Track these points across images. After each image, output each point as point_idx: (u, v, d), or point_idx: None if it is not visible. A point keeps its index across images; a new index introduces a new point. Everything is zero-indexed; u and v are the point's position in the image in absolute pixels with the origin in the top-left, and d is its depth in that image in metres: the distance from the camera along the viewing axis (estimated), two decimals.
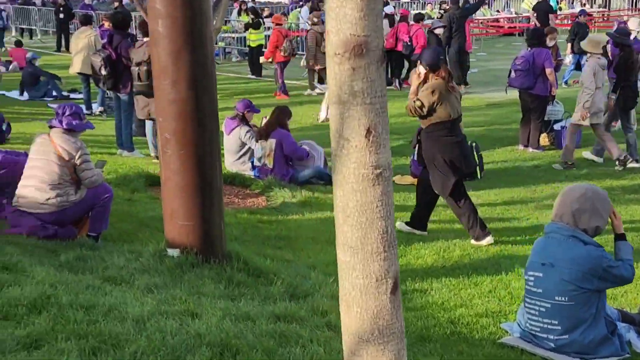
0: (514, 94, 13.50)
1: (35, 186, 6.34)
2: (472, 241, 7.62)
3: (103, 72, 11.06)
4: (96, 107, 16.35)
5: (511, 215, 9.11)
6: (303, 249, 7.34)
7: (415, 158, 11.02)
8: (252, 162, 10.42)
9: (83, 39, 15.30)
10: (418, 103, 7.51)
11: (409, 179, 11.03)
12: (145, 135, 12.01)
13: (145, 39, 10.61)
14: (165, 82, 5.62)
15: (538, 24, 21.43)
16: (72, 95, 18.96)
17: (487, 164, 11.51)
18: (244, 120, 10.57)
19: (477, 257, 7.17)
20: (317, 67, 18.11)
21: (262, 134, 10.24)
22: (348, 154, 2.72)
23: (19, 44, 24.51)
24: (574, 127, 11.55)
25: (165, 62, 5.60)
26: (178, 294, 4.92)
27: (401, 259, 7.09)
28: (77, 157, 6.38)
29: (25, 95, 18.58)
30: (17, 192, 6.45)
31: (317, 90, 18.51)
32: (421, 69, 7.70)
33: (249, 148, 10.50)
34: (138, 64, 10.36)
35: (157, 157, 11.16)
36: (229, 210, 8.12)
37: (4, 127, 6.69)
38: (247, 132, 10.41)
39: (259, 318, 4.53)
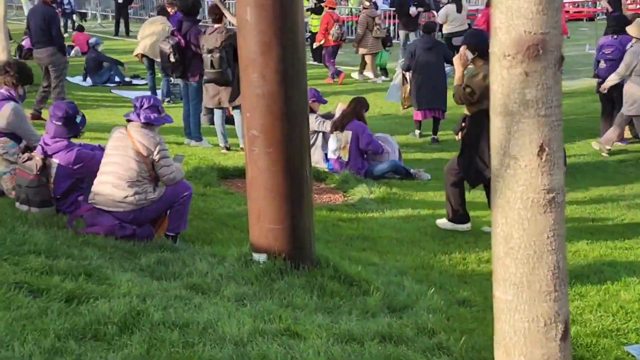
0: (586, 82, 12.89)
1: (112, 183, 6.02)
2: (441, 220, 7.56)
3: (172, 59, 10.72)
4: (160, 95, 16.11)
5: (603, 215, 8.55)
6: (388, 251, 6.92)
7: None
8: (326, 154, 10.02)
9: (158, 25, 15.01)
10: (468, 90, 7.09)
11: None
12: (213, 124, 11.71)
13: (216, 25, 10.26)
14: (253, 75, 5.23)
15: (610, 9, 20.57)
16: (134, 81, 18.79)
17: (569, 157, 10.98)
18: (310, 110, 10.16)
19: (576, 263, 6.65)
20: (363, 52, 17.77)
21: (338, 126, 9.83)
22: (515, 175, 2.29)
23: (80, 28, 24.43)
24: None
25: (254, 53, 5.22)
26: (271, 307, 4.54)
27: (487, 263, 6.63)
28: (155, 153, 6.04)
29: (89, 81, 18.43)
30: (93, 189, 6.14)
31: (372, 79, 18.20)
32: (468, 54, 7.20)
33: (316, 139, 10.10)
34: (210, 51, 10.00)
35: (226, 148, 10.87)
36: None
37: (78, 120, 6.33)
38: (316, 118, 10.01)
39: (364, 338, 4.13)
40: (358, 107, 9.96)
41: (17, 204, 6.41)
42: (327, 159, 9.99)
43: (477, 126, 7.20)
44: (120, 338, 3.64)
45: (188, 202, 6.25)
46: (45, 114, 12.46)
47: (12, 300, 3.95)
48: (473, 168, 7.28)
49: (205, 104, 10.92)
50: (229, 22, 9.93)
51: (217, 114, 10.77)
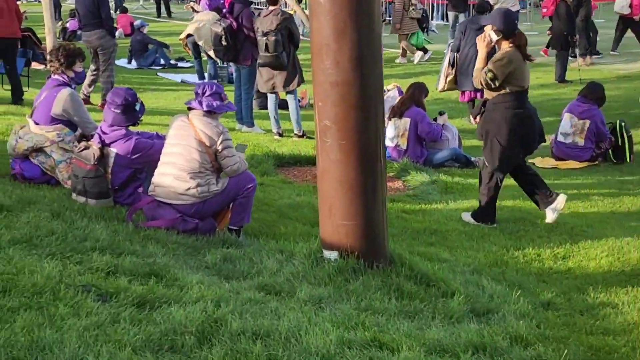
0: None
1: (173, 174, 5.74)
2: (466, 215, 7.24)
3: (224, 42, 10.43)
4: (207, 78, 15.86)
5: None
6: (458, 246, 6.59)
7: (557, 138, 10.13)
8: None
9: (209, 14, 14.74)
10: (490, 75, 6.70)
11: (551, 161, 10.15)
12: (262, 109, 11.46)
13: (271, 7, 9.96)
14: (326, 62, 4.90)
15: None
16: (180, 64, 18.58)
17: (635, 144, 10.54)
18: None
19: None
20: (402, 33, 17.46)
21: (396, 112, 9.48)
22: None
23: (124, 10, 24.28)
24: None
25: (327, 38, 4.88)
26: (350, 312, 4.24)
27: (571, 259, 6.30)
28: (218, 143, 5.75)
29: (134, 64, 18.27)
30: (153, 180, 5.88)
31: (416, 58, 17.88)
32: (492, 35, 6.79)
33: None
34: (265, 34, 9.70)
35: (279, 134, 10.58)
36: None
37: (137, 107, 6.08)
38: None
39: (455, 349, 3.82)
40: (417, 93, 9.60)
41: (74, 195, 6.18)
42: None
43: (499, 112, 6.85)
44: (199, 350, 3.36)
45: (252, 195, 5.96)
46: (94, 98, 12.28)
47: (80, 305, 3.70)
48: (500, 155, 6.91)
49: (260, 88, 10.63)
50: (285, 4, 9.64)
51: (271, 98, 10.48)
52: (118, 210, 5.97)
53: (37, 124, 6.59)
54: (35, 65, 16.64)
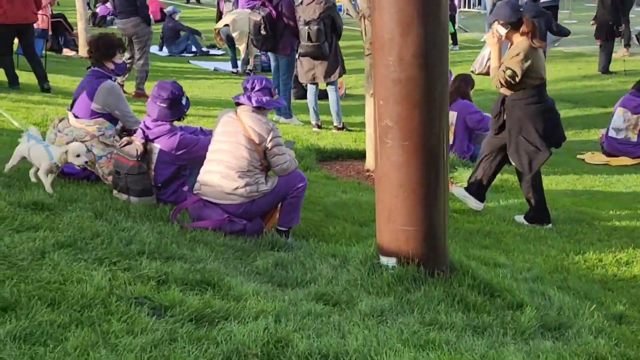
0: None
1: (221, 173, 5.48)
2: (519, 217, 6.98)
3: (263, 31, 10.14)
4: (240, 65, 15.63)
5: None
6: (514, 249, 6.29)
7: (608, 133, 9.76)
8: None
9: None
10: (509, 72, 6.43)
11: (602, 158, 9.79)
12: (299, 99, 11.20)
13: None
14: (390, 58, 4.60)
15: None
16: (211, 51, 18.35)
17: None
18: None
19: None
20: None
21: None
22: None
23: None
24: None
25: (391, 33, 4.58)
26: (417, 327, 3.96)
27: (635, 266, 6.04)
28: (268, 140, 5.49)
29: (165, 51, 18.06)
30: (199, 178, 5.62)
31: None
32: (500, 29, 6.52)
33: None
34: (307, 23, 9.40)
35: (318, 126, 10.30)
36: None
37: (183, 102, 5.82)
38: None
39: None
40: (463, 85, 9.27)
41: (115, 191, 5.94)
42: None
43: (519, 108, 6.58)
44: None
45: (302, 195, 5.69)
46: (127, 86, 12.04)
47: (135, 321, 3.44)
48: (528, 154, 6.66)
49: (299, 79, 10.35)
50: None
51: (311, 89, 10.20)
52: (162, 209, 5.72)
53: (77, 117, 6.35)
54: (66, 51, 16.51)
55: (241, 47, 14.92)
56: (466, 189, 7.16)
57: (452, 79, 9.91)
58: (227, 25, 14.87)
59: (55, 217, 5.03)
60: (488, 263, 5.58)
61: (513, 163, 6.82)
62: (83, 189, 5.96)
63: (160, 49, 18.11)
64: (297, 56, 10.25)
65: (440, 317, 4.21)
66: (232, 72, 15.71)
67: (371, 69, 4.89)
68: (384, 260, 4.84)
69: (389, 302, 4.34)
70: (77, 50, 16.47)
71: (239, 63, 15.54)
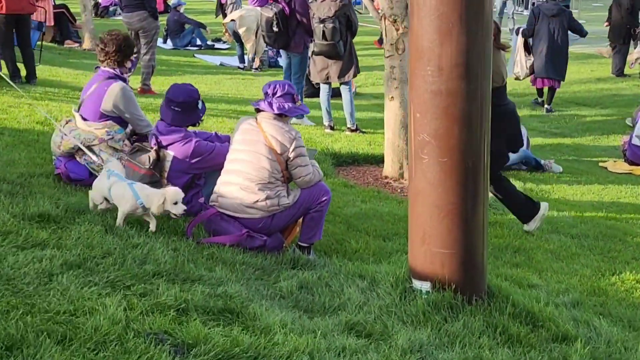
0: None
1: (240, 185, 5.12)
2: (525, 227, 6.66)
3: (275, 28, 9.76)
4: (247, 61, 15.25)
5: None
6: (546, 268, 5.96)
7: (631, 141, 9.41)
8: None
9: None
10: None
11: (625, 166, 9.44)
12: (310, 97, 10.83)
13: None
14: (429, 67, 4.23)
15: None
16: (216, 45, 17.96)
17: None
18: None
19: None
20: None
21: None
22: None
23: None
24: None
25: (430, 41, 4.21)
26: None
27: None
28: (291, 150, 5.12)
29: (169, 44, 17.65)
30: (216, 189, 5.26)
31: None
32: None
33: None
34: (322, 21, 9.02)
35: (330, 127, 9.93)
36: None
37: (199, 106, 5.45)
38: None
39: None
40: None
41: None
42: None
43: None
44: None
45: (326, 209, 5.32)
46: (132, 81, 11.64)
47: None
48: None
49: (312, 78, 9.98)
50: None
51: (324, 89, 9.82)
52: (175, 221, 5.36)
53: (84, 119, 5.98)
54: (68, 43, 16.11)
55: (248, 45, 14.50)
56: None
57: None
58: (233, 20, 14.48)
59: (63, 231, 4.66)
60: (522, 284, 5.27)
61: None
62: None
63: (165, 42, 17.70)
64: (310, 54, 9.88)
65: (484, 353, 3.86)
66: (239, 67, 15.32)
67: (409, 77, 4.51)
68: (417, 284, 4.49)
69: (426, 334, 4.00)
70: (80, 42, 16.06)
71: (246, 58, 15.14)
